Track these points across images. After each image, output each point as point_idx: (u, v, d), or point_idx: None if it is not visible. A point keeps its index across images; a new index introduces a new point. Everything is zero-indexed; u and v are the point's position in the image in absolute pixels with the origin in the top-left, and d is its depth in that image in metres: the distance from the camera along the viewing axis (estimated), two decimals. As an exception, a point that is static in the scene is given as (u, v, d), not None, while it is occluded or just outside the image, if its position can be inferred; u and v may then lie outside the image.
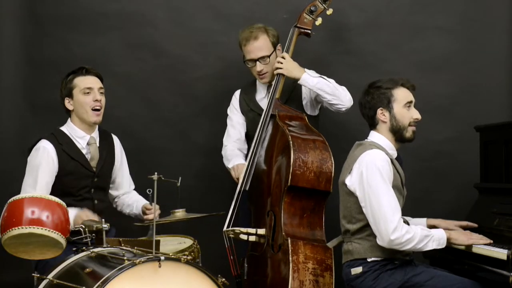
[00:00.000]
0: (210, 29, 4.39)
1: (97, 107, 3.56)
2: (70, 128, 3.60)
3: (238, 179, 3.75)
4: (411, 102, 3.31)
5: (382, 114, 3.29)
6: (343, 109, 3.80)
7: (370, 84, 3.35)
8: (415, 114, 3.31)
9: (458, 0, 4.43)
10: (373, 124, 3.34)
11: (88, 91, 3.55)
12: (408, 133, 3.30)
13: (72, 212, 3.39)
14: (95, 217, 3.35)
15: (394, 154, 3.31)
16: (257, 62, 3.84)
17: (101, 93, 3.60)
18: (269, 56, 3.84)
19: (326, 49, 4.37)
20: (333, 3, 3.94)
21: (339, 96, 3.75)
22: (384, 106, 3.28)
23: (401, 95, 3.30)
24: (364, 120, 3.80)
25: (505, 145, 3.58)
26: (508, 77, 4.42)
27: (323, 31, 4.19)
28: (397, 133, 3.30)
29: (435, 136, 4.29)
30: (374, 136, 3.33)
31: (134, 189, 3.85)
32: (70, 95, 3.57)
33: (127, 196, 3.78)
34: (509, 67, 4.41)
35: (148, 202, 3.57)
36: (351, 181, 3.23)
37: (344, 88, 3.79)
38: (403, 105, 3.28)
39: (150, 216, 3.51)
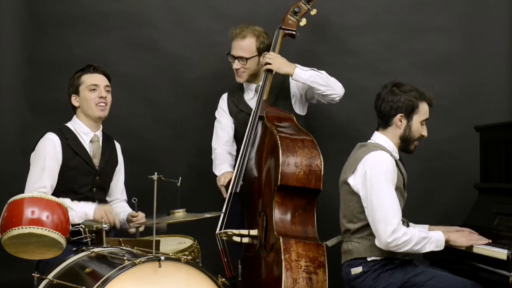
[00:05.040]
0: (210, 29, 4.39)
1: (102, 104, 3.57)
2: (75, 124, 3.61)
3: (222, 186, 3.78)
4: (427, 119, 3.31)
5: (399, 120, 3.26)
6: (337, 98, 3.80)
7: (397, 84, 3.29)
8: (424, 132, 3.32)
9: (458, 0, 4.43)
10: (385, 124, 3.31)
11: (94, 88, 3.57)
12: (413, 146, 3.31)
13: (91, 207, 3.42)
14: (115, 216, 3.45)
15: (397, 156, 3.31)
16: (236, 60, 3.87)
17: (107, 90, 3.61)
18: (247, 59, 3.85)
19: (326, 49, 4.37)
20: (333, 3, 3.94)
21: (333, 86, 3.76)
22: (406, 114, 3.25)
23: (424, 110, 3.29)
24: (365, 120, 3.81)
25: (505, 145, 3.58)
26: (508, 77, 4.42)
27: (323, 31, 4.19)
28: (404, 142, 3.29)
29: (435, 136, 4.28)
30: (378, 137, 3.32)
31: (131, 193, 3.82)
32: (76, 92, 3.59)
33: (118, 205, 3.76)
34: (509, 67, 4.41)
35: (133, 211, 3.56)
36: (355, 181, 3.23)
37: (334, 78, 3.80)
38: (421, 120, 3.28)
39: (136, 224, 3.51)
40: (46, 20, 4.38)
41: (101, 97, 3.56)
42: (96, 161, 3.60)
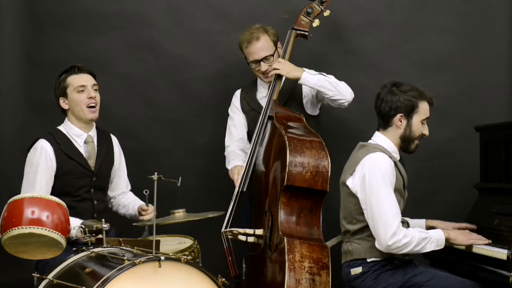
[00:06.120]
0: (210, 29, 4.38)
1: (92, 104, 3.56)
2: (67, 127, 3.61)
3: (234, 182, 3.75)
4: (427, 118, 3.31)
5: (399, 120, 3.26)
6: (346, 103, 3.80)
7: (396, 84, 3.29)
8: (425, 131, 3.32)
9: (458, 0, 4.42)
10: (385, 124, 3.31)
11: (82, 89, 3.56)
12: (414, 145, 3.31)
13: (77, 223, 3.40)
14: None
15: (397, 157, 3.31)
16: (261, 63, 3.85)
17: (95, 89, 3.60)
18: (272, 55, 3.85)
19: (326, 49, 4.37)
20: (334, 3, 3.93)
21: (341, 91, 3.75)
22: (406, 113, 3.26)
23: (424, 109, 3.29)
24: (366, 120, 3.80)
25: (505, 145, 3.58)
26: (508, 77, 4.42)
27: (323, 31, 4.19)
28: (404, 142, 3.29)
29: (435, 136, 4.27)
30: (379, 138, 3.32)
31: (131, 190, 3.84)
32: (64, 95, 3.58)
33: (124, 196, 3.78)
34: (509, 67, 4.41)
35: (144, 203, 3.57)
36: (353, 183, 3.23)
37: (343, 83, 3.78)
38: (421, 119, 3.28)
39: (146, 217, 3.53)
40: (46, 20, 4.37)
41: (91, 97, 3.56)
42: (92, 162, 3.59)
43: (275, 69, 3.78)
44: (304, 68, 3.79)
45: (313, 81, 3.73)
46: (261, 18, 4.08)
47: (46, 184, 3.47)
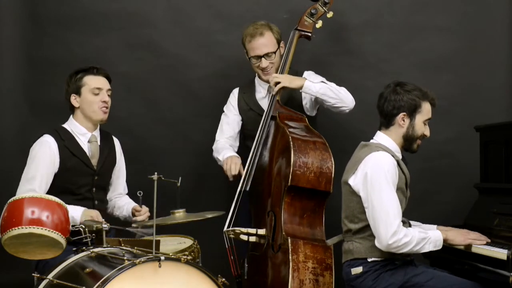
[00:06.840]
0: (210, 29, 4.39)
1: (104, 107, 3.58)
2: (72, 125, 3.61)
3: (229, 171, 3.74)
4: (429, 119, 3.31)
5: (402, 119, 3.27)
6: (347, 110, 3.79)
7: (400, 84, 3.30)
8: (427, 131, 3.32)
9: (458, 0, 4.43)
10: (388, 123, 3.31)
11: (97, 92, 3.57)
12: (416, 144, 3.32)
13: (79, 210, 3.41)
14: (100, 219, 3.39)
15: (399, 156, 3.31)
16: (263, 59, 3.84)
17: (108, 95, 3.62)
18: (274, 53, 3.84)
19: (326, 50, 4.38)
20: (334, 3, 3.94)
21: (343, 99, 3.74)
22: (409, 112, 3.26)
23: (426, 110, 3.29)
24: (365, 120, 3.80)
25: (505, 145, 3.59)
26: (508, 77, 4.42)
27: (323, 32, 4.19)
28: (407, 141, 3.29)
29: (435, 136, 4.26)
30: (381, 137, 3.32)
31: (128, 193, 3.84)
32: (78, 92, 3.58)
33: (120, 199, 3.78)
34: (509, 67, 4.41)
35: (137, 204, 3.58)
36: (355, 181, 3.23)
37: (345, 89, 3.78)
38: (423, 120, 3.28)
39: (139, 218, 3.53)
40: (46, 20, 4.38)
41: (104, 101, 3.57)
42: (95, 161, 3.60)
43: (277, 83, 3.75)
44: (305, 76, 3.77)
45: (315, 89, 3.73)
46: (261, 18, 4.07)
47: (46, 179, 3.48)
